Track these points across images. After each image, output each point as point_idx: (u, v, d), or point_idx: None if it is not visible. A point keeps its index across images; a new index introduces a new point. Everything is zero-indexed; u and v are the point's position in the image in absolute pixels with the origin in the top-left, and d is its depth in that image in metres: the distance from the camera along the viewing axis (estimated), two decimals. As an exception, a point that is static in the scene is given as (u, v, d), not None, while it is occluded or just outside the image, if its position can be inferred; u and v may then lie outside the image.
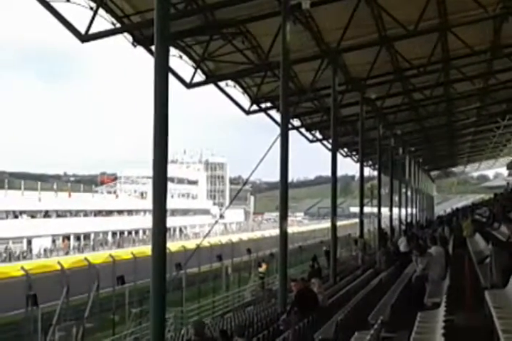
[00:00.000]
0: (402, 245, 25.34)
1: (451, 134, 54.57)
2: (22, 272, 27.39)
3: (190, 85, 24.02)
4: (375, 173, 48.12)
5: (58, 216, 77.18)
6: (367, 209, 40.26)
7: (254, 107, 30.00)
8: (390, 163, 46.14)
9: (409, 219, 60.18)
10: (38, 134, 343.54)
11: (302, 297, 14.74)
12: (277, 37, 20.43)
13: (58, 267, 27.31)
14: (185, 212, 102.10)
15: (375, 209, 42.87)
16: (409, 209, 62.67)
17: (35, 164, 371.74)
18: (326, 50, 24.20)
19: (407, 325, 9.58)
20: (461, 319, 10.10)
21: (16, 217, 71.92)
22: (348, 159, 52.01)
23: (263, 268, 38.19)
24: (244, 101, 29.32)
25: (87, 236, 79.52)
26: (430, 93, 33.72)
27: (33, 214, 74.10)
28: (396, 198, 53.31)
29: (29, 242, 69.08)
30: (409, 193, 63.53)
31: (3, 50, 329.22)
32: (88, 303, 26.23)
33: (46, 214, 75.97)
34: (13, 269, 35.06)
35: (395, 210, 51.15)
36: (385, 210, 46.36)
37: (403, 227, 47.35)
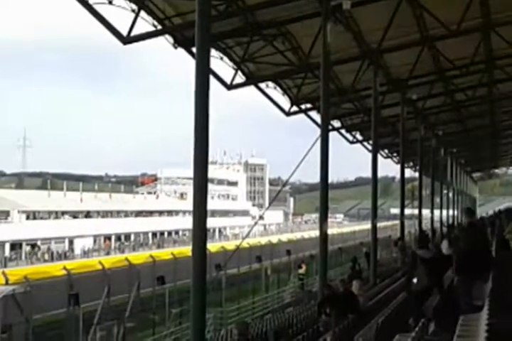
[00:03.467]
0: (445, 247, 25.01)
1: (494, 135, 53.80)
2: (64, 272, 27.71)
3: (230, 86, 24.05)
4: (416, 175, 47.68)
5: (99, 216, 77.98)
6: (408, 211, 39.92)
7: (295, 108, 29.94)
8: (431, 164, 45.68)
9: (450, 221, 59.50)
10: (80, 135, 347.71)
11: (333, 298, 14.67)
12: (318, 38, 20.36)
13: (99, 267, 27.54)
14: (224, 213, 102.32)
15: (416, 211, 42.50)
16: (450, 211, 61.97)
17: (77, 165, 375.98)
18: (366, 51, 24.04)
19: (448, 328, 9.45)
20: (505, 322, 9.92)
21: (58, 217, 72.88)
22: (389, 160, 51.68)
23: (303, 269, 38.07)
24: (285, 102, 29.30)
25: (127, 236, 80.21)
26: (473, 93, 33.31)
27: (74, 215, 75.02)
28: (437, 200, 52.79)
29: (71, 242, 69.95)
30: (450, 195, 62.83)
31: (48, 51, 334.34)
32: (129, 303, 26.44)
33: (88, 214, 76.84)
34: (55, 269, 35.45)
35: (436, 212, 50.62)
36: (426, 212, 45.91)
37: (444, 229, 46.82)
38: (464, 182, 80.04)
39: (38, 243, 66.30)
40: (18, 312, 25.22)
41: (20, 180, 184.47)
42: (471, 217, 12.58)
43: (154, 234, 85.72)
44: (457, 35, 22.64)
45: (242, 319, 29.29)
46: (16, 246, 63.88)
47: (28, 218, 67.87)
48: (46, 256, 64.60)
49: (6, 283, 27.68)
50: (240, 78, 24.71)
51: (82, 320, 24.23)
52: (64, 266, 28.44)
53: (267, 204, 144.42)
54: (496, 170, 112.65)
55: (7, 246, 62.76)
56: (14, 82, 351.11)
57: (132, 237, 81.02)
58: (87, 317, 24.68)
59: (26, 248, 64.84)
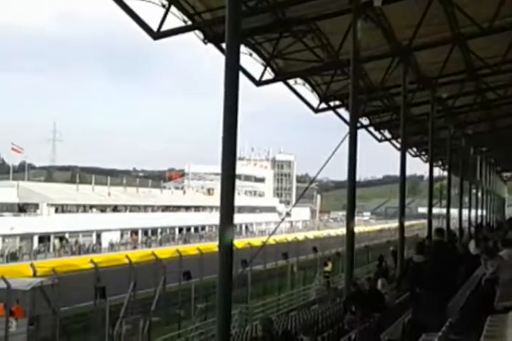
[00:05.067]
0: (472, 247, 24.81)
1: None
2: (91, 265, 27.96)
3: (259, 83, 24.02)
4: (445, 173, 47.39)
5: (127, 210, 78.50)
6: (436, 210, 39.66)
7: (323, 105, 29.83)
8: (460, 163, 45.33)
9: (479, 221, 58.98)
10: (109, 130, 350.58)
11: (359, 296, 14.63)
12: (348, 34, 20.27)
13: (126, 261, 27.75)
14: (251, 210, 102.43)
15: (444, 210, 42.22)
16: (479, 211, 61.43)
17: (106, 159, 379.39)
18: (397, 48, 23.86)
19: (475, 328, 9.38)
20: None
21: (86, 211, 73.49)
22: (417, 159, 51.36)
23: (329, 266, 38.03)
24: (313, 99, 29.21)
25: (154, 231, 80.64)
26: (504, 92, 32.96)
27: (102, 209, 75.59)
28: (466, 199, 52.37)
29: (98, 236, 70.52)
30: (479, 194, 62.27)
31: (77, 46, 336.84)
32: (155, 297, 26.62)
33: (115, 208, 77.39)
34: (83, 262, 35.80)
35: (465, 211, 50.23)
36: (454, 211, 45.59)
37: (473, 229, 46.44)
38: (494, 182, 79.28)
39: (66, 236, 66.93)
40: (46, 304, 25.57)
41: (50, 174, 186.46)
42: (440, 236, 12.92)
43: (181, 229, 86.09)
44: (489, 33, 22.40)
45: (267, 315, 29.35)
46: (44, 238, 64.53)
47: (56, 211, 68.50)
48: (74, 249, 65.19)
49: (34, 275, 28.06)
50: (269, 74, 24.66)
51: (109, 313, 24.44)
52: (91, 259, 28.72)
53: (293, 201, 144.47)
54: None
55: (35, 239, 63.43)
56: (46, 76, 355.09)
57: (159, 232, 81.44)
58: (113, 311, 24.92)
59: (54, 241, 65.46)
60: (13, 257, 57.15)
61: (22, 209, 66.97)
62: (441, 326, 9.45)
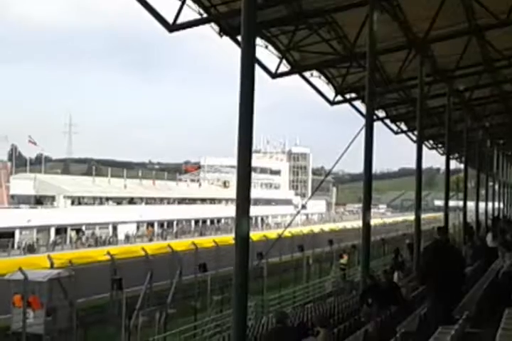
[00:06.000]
0: (490, 240, 24.74)
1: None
2: (107, 257, 28.13)
3: (275, 75, 23.98)
4: (461, 166, 47.13)
5: (143, 203, 78.77)
6: (452, 203, 39.51)
7: (339, 98, 29.73)
8: (477, 156, 45.11)
9: (496, 214, 58.72)
10: (125, 122, 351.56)
11: (376, 289, 14.63)
12: (364, 27, 20.20)
13: (142, 253, 27.89)
14: (267, 202, 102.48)
15: (461, 203, 42.05)
16: (496, 204, 61.14)
17: (122, 152, 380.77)
18: (413, 40, 23.71)
19: (492, 321, 9.37)
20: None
21: (102, 203, 73.82)
22: (434, 151, 51.14)
23: (344, 259, 38.05)
24: (329, 91, 29.12)
25: (170, 223, 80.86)
26: (522, 85, 32.76)
27: (118, 201, 75.90)
28: (482, 192, 52.13)
29: (114, 228, 70.82)
30: (496, 187, 61.96)
31: (94, 38, 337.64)
32: (171, 289, 26.75)
33: (131, 200, 77.67)
34: (99, 254, 35.99)
35: (481, 204, 50.01)
36: (470, 204, 45.40)
37: (489, 222, 46.25)
38: (510, 175, 78.83)
39: (83, 228, 67.27)
40: (63, 295, 25.76)
41: (66, 166, 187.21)
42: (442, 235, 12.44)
43: (196, 222, 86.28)
44: (507, 24, 22.21)
45: (283, 308, 29.41)
46: (61, 230, 64.90)
47: (73, 203, 68.89)
48: (90, 241, 65.52)
49: (51, 267, 28.25)
50: (285, 67, 24.61)
51: (125, 305, 24.58)
52: (108, 252, 28.90)
53: (309, 193, 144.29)
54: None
55: (52, 231, 63.81)
56: (62, 69, 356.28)
57: (175, 224, 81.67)
58: (130, 303, 25.05)
59: (71, 233, 65.83)
60: (30, 249, 57.54)
61: (39, 201, 67.42)
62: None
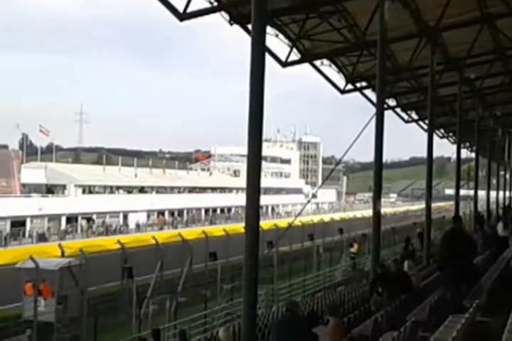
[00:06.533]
0: (500, 229, 24.67)
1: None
2: (118, 245, 28.21)
3: (285, 64, 23.91)
4: (472, 155, 47.00)
5: (153, 192, 78.87)
6: (463, 192, 39.42)
7: (350, 86, 29.62)
8: (488, 144, 44.95)
9: (507, 203, 58.55)
10: (135, 111, 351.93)
11: (386, 277, 14.63)
12: (375, 15, 20.10)
13: (153, 242, 27.95)
14: (277, 191, 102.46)
15: (472, 192, 41.94)
16: (507, 193, 60.96)
17: (132, 141, 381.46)
18: (424, 29, 23.59)
19: (503, 309, 9.37)
20: None
21: (113, 192, 73.98)
22: (445, 140, 51.02)
23: (354, 248, 38.05)
24: (339, 80, 29.02)
25: (180, 212, 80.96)
26: (533, 73, 32.55)
27: (129, 190, 76.05)
28: (493, 181, 51.99)
29: (125, 217, 70.97)
30: (507, 176, 61.77)
31: (104, 28, 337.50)
32: (181, 278, 26.82)
33: (142, 189, 77.80)
34: (110, 242, 36.08)
35: (493, 193, 49.89)
36: (481, 193, 45.28)
37: (500, 211, 46.13)
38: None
39: (93, 217, 67.48)
40: (74, 284, 25.89)
41: (77, 155, 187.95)
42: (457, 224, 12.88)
43: (207, 211, 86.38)
44: (519, 12, 22.07)
45: (293, 296, 29.46)
46: (71, 219, 65.10)
47: (83, 192, 69.06)
48: (101, 230, 65.71)
49: (62, 256, 28.37)
50: (295, 55, 24.52)
51: (136, 293, 24.68)
52: (118, 240, 28.98)
53: (320, 182, 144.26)
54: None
55: (63, 220, 64.06)
56: (73, 57, 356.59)
57: (185, 213, 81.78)
58: (140, 291, 25.16)
59: (82, 221, 66.05)
60: (41, 238, 57.77)
61: (50, 190, 67.59)
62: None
